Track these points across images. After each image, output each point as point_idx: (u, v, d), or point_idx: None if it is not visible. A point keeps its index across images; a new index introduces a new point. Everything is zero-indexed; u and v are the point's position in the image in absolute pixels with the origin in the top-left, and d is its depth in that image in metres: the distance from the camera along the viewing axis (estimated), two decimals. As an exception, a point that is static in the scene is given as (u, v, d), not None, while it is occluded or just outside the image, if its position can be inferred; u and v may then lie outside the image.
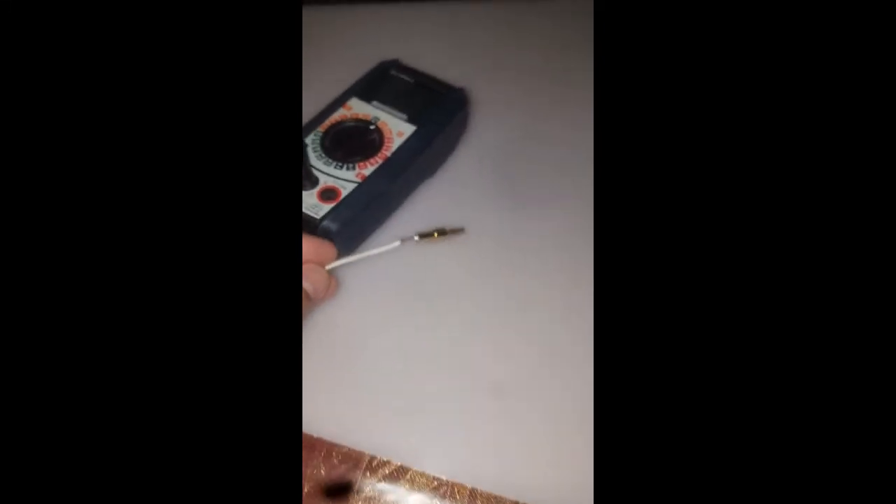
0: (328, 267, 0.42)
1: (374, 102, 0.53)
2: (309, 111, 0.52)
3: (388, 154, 0.50)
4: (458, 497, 0.38)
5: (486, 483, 0.39)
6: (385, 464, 0.39)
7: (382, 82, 0.54)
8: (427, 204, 0.53)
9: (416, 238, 0.45)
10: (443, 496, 0.38)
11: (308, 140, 0.50)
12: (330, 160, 0.49)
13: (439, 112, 0.52)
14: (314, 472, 0.37)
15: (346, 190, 0.48)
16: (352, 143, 0.50)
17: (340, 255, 0.47)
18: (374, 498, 0.37)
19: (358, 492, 0.37)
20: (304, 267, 0.41)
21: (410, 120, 0.51)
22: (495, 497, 0.38)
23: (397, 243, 0.46)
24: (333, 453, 0.39)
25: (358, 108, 0.52)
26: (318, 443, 0.39)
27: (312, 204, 0.47)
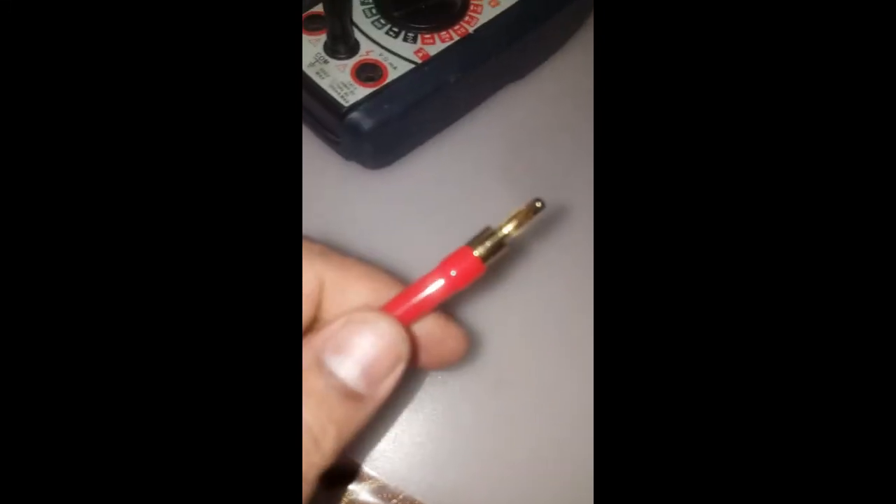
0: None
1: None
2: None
3: (471, 29, 0.33)
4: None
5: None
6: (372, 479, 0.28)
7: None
8: (505, 119, 0.36)
9: None
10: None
11: (358, -15, 0.34)
12: (383, 21, 0.33)
13: (559, -17, 0.35)
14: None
15: (396, 71, 0.31)
16: (421, 1, 0.33)
17: (369, 168, 0.31)
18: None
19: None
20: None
21: (514, -15, 0.34)
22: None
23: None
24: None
25: (440, -47, 0.35)
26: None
27: (342, 82, 0.31)
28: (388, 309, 0.20)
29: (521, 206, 0.20)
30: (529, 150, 0.36)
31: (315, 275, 0.20)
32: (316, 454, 0.16)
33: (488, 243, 0.20)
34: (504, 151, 0.35)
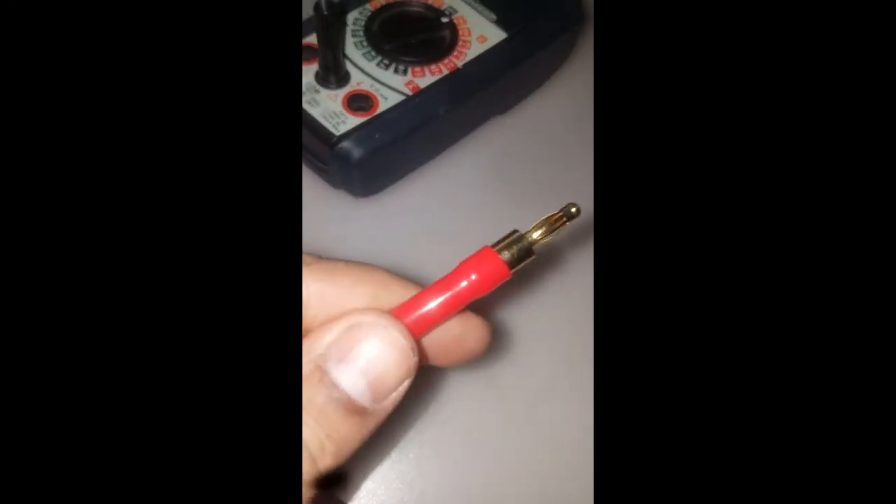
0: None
1: (455, -13, 0.36)
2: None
3: (460, 64, 0.34)
4: None
5: None
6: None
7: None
8: (491, 150, 0.37)
9: None
10: None
11: (349, 18, 0.35)
12: (374, 53, 0.34)
13: (545, 22, 0.36)
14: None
15: (387, 101, 0.32)
16: (411, 36, 0.34)
17: (358, 198, 0.32)
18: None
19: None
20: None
21: (501, 22, 0.35)
22: None
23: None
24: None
25: (430, -10, 0.36)
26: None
27: (333, 111, 0.32)
28: (398, 314, 0.17)
29: (554, 211, 0.18)
30: (514, 180, 0.36)
31: None
32: (312, 472, 0.15)
33: (515, 248, 0.17)
34: (489, 181, 0.36)
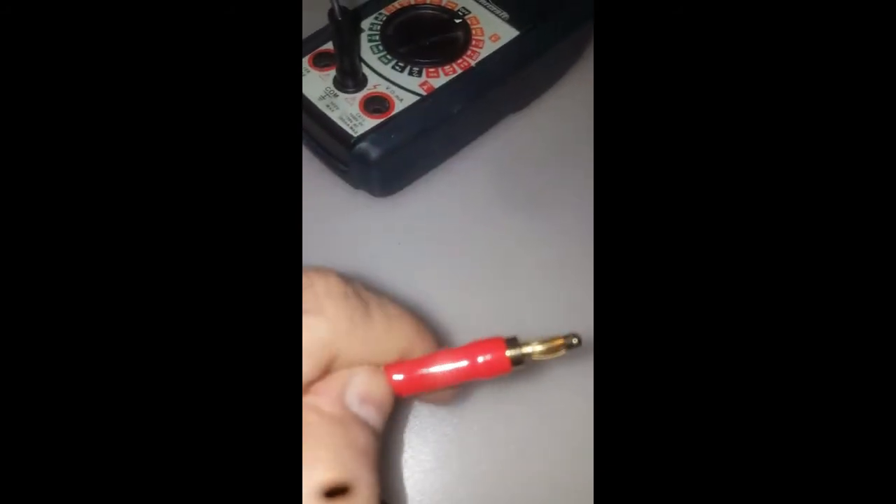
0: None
1: (468, -11, 0.37)
2: (375, -16, 0.37)
3: (473, 63, 0.34)
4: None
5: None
6: None
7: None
8: (507, 148, 0.38)
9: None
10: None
11: (365, 24, 0.36)
12: (389, 57, 0.34)
13: (557, 18, 0.36)
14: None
15: (402, 103, 0.33)
16: (425, 38, 0.35)
17: (377, 198, 0.32)
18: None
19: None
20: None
21: (513, 21, 0.36)
22: None
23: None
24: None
25: (443, -7, 0.37)
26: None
27: (351, 114, 0.32)
28: (401, 369, 0.20)
29: (558, 335, 0.20)
30: (531, 177, 0.37)
31: (325, 344, 0.19)
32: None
33: (519, 352, 0.20)
34: (507, 179, 0.37)
